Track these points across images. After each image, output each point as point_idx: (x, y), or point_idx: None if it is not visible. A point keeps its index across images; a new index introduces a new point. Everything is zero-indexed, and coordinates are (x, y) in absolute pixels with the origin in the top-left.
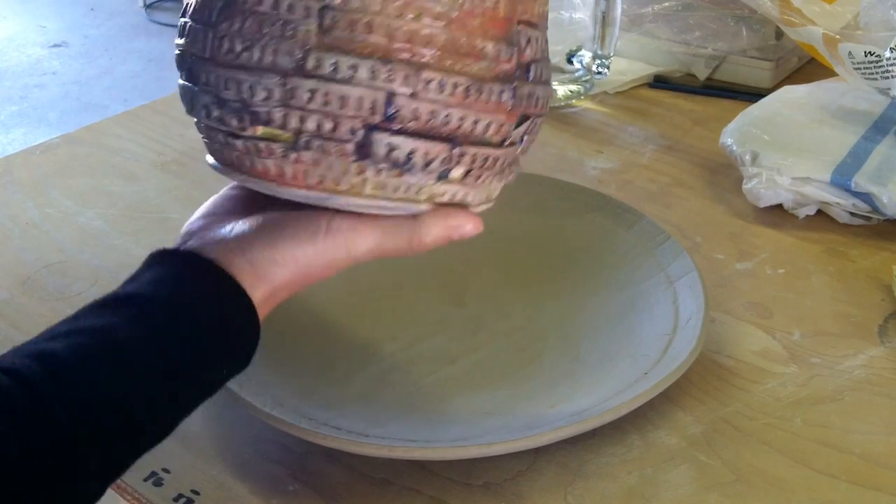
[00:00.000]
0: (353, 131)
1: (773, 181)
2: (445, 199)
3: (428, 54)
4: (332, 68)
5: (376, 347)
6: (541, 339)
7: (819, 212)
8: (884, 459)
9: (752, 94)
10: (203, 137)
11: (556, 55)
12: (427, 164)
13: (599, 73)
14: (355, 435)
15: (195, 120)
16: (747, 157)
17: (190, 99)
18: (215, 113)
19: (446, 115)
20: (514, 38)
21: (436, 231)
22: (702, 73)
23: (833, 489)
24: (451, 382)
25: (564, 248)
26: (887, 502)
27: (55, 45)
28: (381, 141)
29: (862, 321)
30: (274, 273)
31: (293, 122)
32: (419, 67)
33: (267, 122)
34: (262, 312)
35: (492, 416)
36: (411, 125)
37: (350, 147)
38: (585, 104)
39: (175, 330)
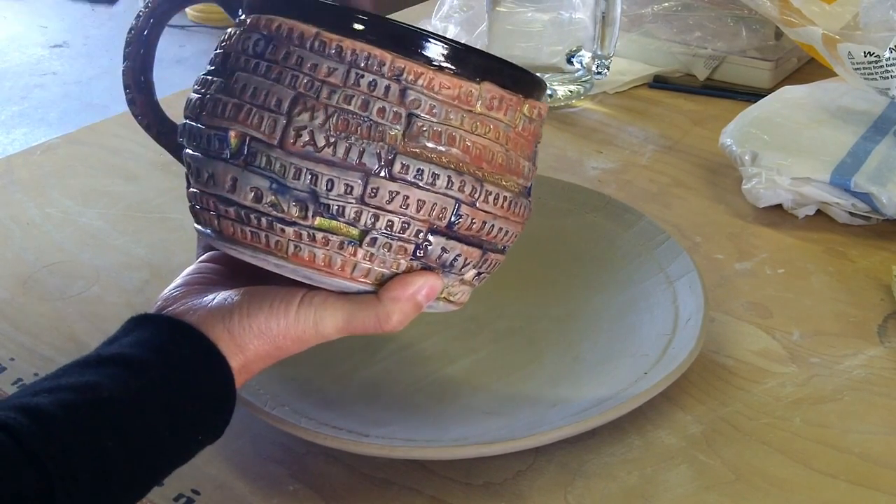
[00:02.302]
0: (418, 233)
1: (773, 181)
2: (455, 298)
3: (489, 169)
4: (416, 174)
5: (376, 347)
6: (541, 339)
7: (818, 212)
8: (883, 459)
9: (752, 95)
10: (205, 208)
11: (556, 55)
12: (462, 267)
13: (599, 73)
14: (355, 435)
15: (201, 190)
16: (747, 158)
17: (225, 175)
18: (268, 198)
19: (492, 225)
20: (534, 158)
21: (401, 304)
22: (701, 74)
23: (833, 489)
24: (451, 382)
25: (564, 248)
26: (887, 502)
27: (56, 46)
28: (439, 244)
29: (861, 321)
30: (249, 342)
31: (365, 220)
32: (483, 180)
33: (334, 216)
34: (238, 381)
35: (492, 416)
36: (465, 231)
37: (411, 247)
38: (585, 104)
39: (156, 391)
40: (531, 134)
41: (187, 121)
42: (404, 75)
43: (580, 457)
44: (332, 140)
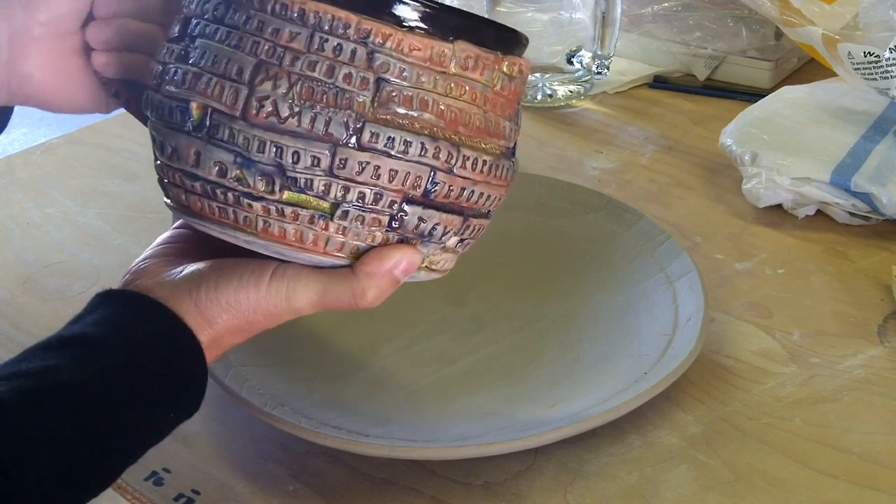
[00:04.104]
0: (392, 204)
1: (773, 181)
2: (436, 266)
3: (466, 133)
4: (387, 142)
5: (376, 347)
6: (541, 339)
7: (818, 212)
8: (883, 459)
9: (752, 95)
10: (172, 183)
11: (556, 55)
12: (442, 236)
13: (599, 73)
14: (356, 435)
15: (166, 164)
16: (747, 158)
17: (188, 149)
18: (234, 172)
19: (471, 191)
20: (517, 118)
21: (377, 280)
22: (701, 74)
23: (833, 489)
24: (451, 382)
25: (564, 248)
26: (887, 502)
27: None
28: (415, 214)
29: (861, 321)
30: (218, 316)
31: (335, 192)
32: (459, 145)
33: (303, 190)
34: (208, 356)
35: (492, 416)
36: (442, 199)
37: (386, 218)
38: (585, 104)
39: (120, 371)
40: (512, 93)
41: (149, 90)
42: (371, 38)
43: (580, 457)
44: (296, 110)
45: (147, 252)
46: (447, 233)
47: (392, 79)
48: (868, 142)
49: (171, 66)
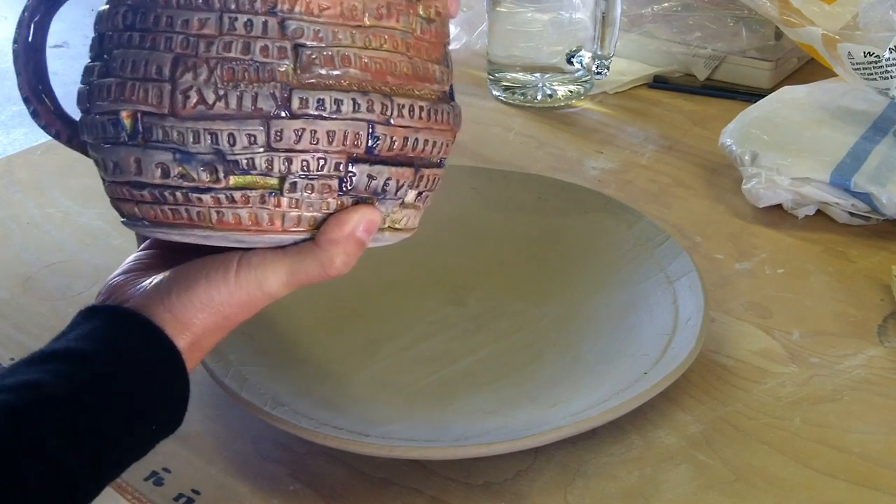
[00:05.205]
0: (337, 166)
1: (773, 181)
2: (400, 224)
3: (396, 82)
4: (318, 105)
5: (376, 347)
6: (541, 339)
7: (818, 212)
8: (883, 459)
9: (752, 95)
10: (122, 199)
11: (556, 55)
12: (397, 190)
13: (599, 73)
14: (356, 435)
15: (112, 181)
16: (747, 158)
17: (128, 159)
18: (176, 170)
19: (415, 140)
20: (447, 60)
21: (341, 246)
22: (701, 74)
23: (833, 489)
24: (451, 382)
25: (564, 248)
26: (887, 502)
27: (56, 46)
28: (363, 172)
29: (861, 321)
30: (193, 317)
31: (279, 166)
32: (392, 95)
33: (247, 171)
34: (188, 361)
35: (492, 416)
36: (387, 153)
37: (335, 182)
38: (585, 104)
39: (102, 383)
40: (434, 35)
41: (82, 114)
42: (279, 6)
43: (580, 457)
44: (221, 93)
45: (115, 272)
46: (401, 186)
47: (309, 42)
48: (868, 142)
49: (95, 82)
